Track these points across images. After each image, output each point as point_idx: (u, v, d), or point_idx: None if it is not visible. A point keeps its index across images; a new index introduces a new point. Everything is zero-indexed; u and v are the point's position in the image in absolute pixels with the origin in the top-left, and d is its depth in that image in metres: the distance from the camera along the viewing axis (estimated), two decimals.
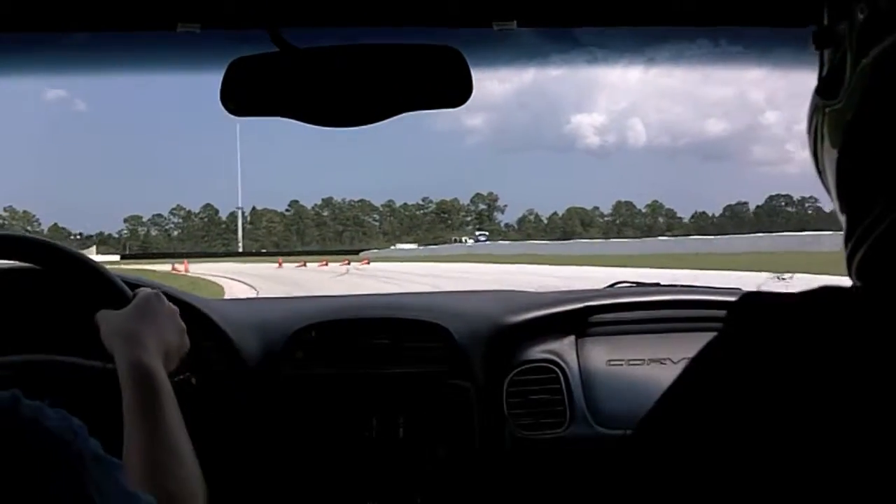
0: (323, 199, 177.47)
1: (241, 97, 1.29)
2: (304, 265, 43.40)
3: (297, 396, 1.84)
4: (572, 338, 1.96)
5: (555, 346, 1.94)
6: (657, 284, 2.34)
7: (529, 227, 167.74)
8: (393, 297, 2.50)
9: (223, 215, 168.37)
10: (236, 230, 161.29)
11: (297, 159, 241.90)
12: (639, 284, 2.38)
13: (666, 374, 1.77)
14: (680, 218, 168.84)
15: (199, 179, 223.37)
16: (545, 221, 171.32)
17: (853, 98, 0.55)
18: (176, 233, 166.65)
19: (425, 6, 1.31)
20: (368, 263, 46.01)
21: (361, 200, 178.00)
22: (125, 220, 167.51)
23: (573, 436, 1.82)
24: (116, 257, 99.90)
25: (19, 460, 0.60)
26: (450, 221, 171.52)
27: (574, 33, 1.48)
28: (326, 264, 43.58)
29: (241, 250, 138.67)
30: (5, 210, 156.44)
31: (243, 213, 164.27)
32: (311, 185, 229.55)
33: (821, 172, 0.61)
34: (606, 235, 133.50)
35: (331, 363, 1.87)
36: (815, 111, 0.61)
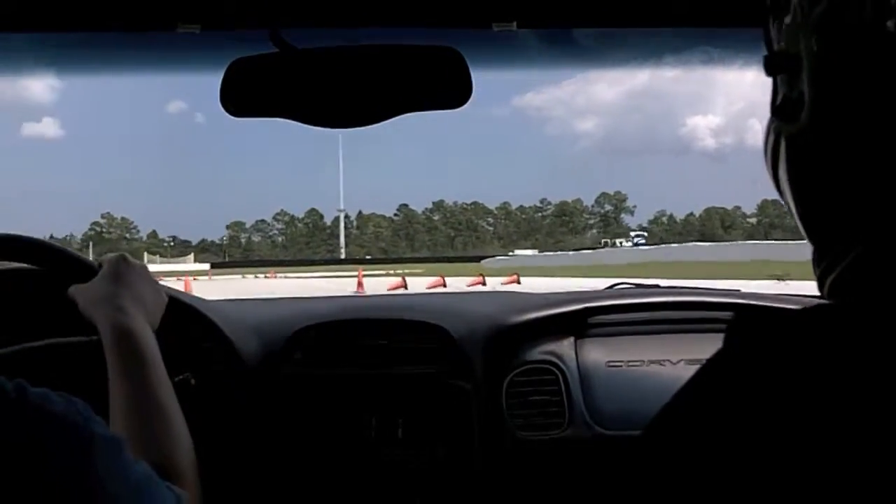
0: (434, 203, 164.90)
1: (240, 98, 1.29)
2: (404, 284, 26.99)
3: (297, 397, 1.84)
4: (572, 339, 1.97)
5: (554, 347, 1.94)
6: (657, 286, 2.40)
7: (661, 230, 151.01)
8: (392, 298, 2.62)
9: (328, 220, 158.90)
10: (339, 235, 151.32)
11: (405, 162, 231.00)
12: (638, 286, 2.39)
13: (665, 376, 1.85)
14: None
15: (304, 183, 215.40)
16: (679, 223, 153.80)
17: (814, 123, 0.54)
18: (280, 239, 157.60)
19: (425, 7, 1.32)
20: (518, 281, 29.24)
21: (475, 203, 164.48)
22: (227, 227, 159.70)
23: (572, 437, 1.83)
24: (206, 266, 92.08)
25: (30, 447, 0.61)
26: (571, 224, 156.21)
27: (574, 34, 1.49)
28: (444, 282, 27.32)
29: (343, 257, 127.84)
30: (103, 217, 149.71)
31: (347, 217, 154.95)
32: (421, 189, 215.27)
33: (781, 193, 0.60)
34: (751, 237, 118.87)
35: (330, 364, 1.87)
36: (771, 132, 0.60)
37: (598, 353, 1.94)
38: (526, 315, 1.98)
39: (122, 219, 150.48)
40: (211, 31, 1.34)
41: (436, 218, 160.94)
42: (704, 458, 0.51)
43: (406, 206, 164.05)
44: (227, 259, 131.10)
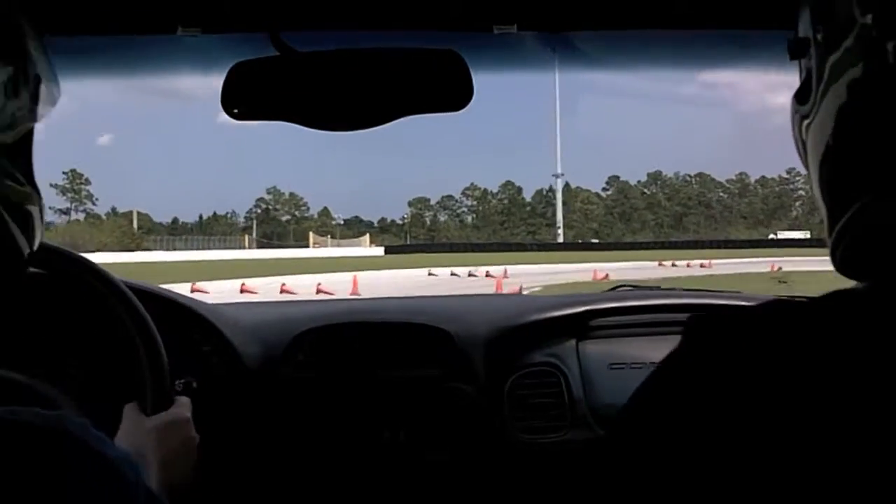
0: (649, 175, 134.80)
1: (242, 101, 1.29)
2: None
3: (298, 400, 1.84)
4: (573, 341, 1.97)
5: (556, 349, 1.95)
6: (658, 288, 2.43)
7: None
8: (394, 301, 2.54)
9: (527, 195, 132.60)
10: (545, 213, 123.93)
11: (613, 125, 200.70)
12: (640, 287, 2.40)
13: None
14: None
15: (500, 151, 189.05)
16: None
17: (819, 105, 0.57)
18: (469, 218, 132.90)
19: (426, 10, 1.32)
20: None
21: (701, 174, 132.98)
22: (410, 204, 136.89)
23: (574, 439, 1.83)
24: (381, 250, 79.43)
25: (89, 493, 0.60)
26: None
27: (575, 37, 1.49)
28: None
29: (560, 240, 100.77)
30: (268, 192, 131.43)
31: (567, 184, 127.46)
32: (630, 159, 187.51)
33: (806, 167, 0.64)
34: None
35: (331, 367, 1.88)
36: (793, 115, 0.64)
37: (600, 356, 1.94)
38: (527, 317, 1.98)
39: (291, 195, 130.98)
40: (212, 35, 1.33)
41: (656, 192, 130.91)
42: (654, 455, 0.53)
43: (617, 178, 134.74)
44: (408, 241, 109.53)
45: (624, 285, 2.42)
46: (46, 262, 1.38)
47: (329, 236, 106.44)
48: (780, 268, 26.95)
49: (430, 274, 32.77)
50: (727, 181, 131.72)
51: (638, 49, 1.60)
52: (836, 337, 0.50)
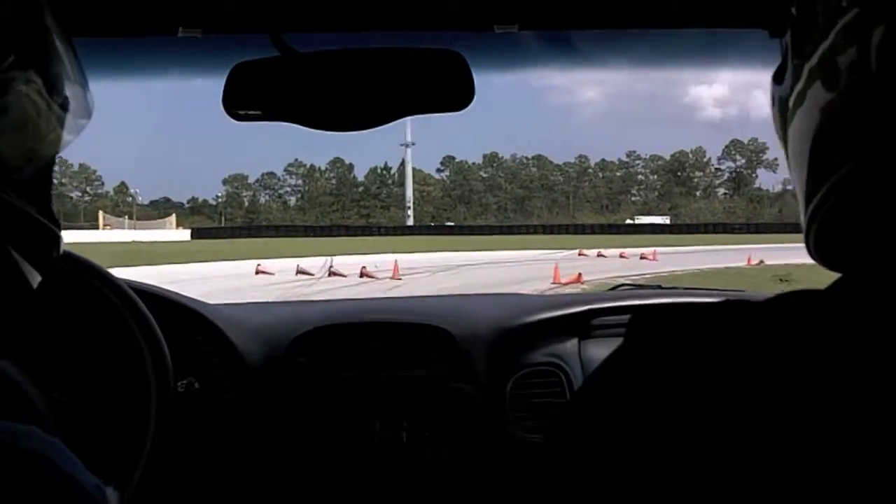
0: (485, 156, 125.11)
1: (243, 101, 1.29)
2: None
3: (300, 400, 1.85)
4: (575, 341, 1.97)
5: (558, 349, 1.95)
6: (659, 286, 2.43)
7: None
8: (395, 301, 2.62)
9: (360, 174, 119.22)
10: (379, 193, 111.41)
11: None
12: (641, 287, 2.43)
13: None
14: None
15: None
16: None
17: (799, 83, 0.58)
18: (293, 199, 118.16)
19: (427, 10, 1.33)
20: None
21: (539, 157, 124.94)
22: (225, 182, 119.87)
23: None
24: (187, 234, 67.86)
25: None
26: (693, 182, 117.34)
27: (575, 36, 1.51)
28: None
29: (410, 223, 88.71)
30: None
31: (386, 170, 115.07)
32: (465, 139, 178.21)
33: (787, 153, 0.64)
34: None
35: (333, 367, 1.88)
36: (773, 95, 0.64)
37: (602, 355, 2.07)
38: (529, 317, 1.98)
39: (81, 166, 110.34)
40: (212, 36, 1.34)
41: (497, 175, 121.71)
42: (590, 453, 0.54)
43: (452, 158, 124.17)
44: (223, 224, 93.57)
45: (624, 285, 2.43)
46: None
47: (126, 217, 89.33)
48: (761, 261, 24.86)
49: (259, 272, 21.92)
50: (565, 164, 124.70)
51: (638, 48, 1.60)
52: (779, 339, 0.51)
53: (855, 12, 0.50)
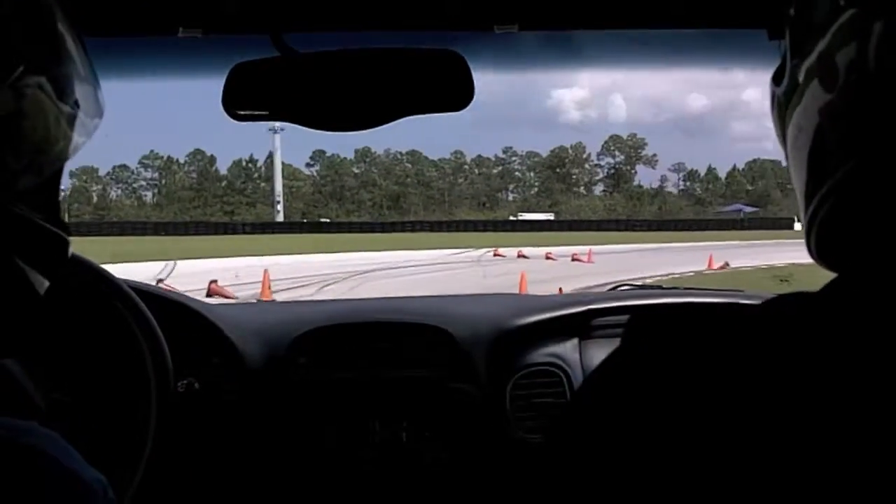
0: (357, 151, 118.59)
1: (242, 101, 1.30)
2: None
3: (300, 401, 1.85)
4: (575, 340, 1.98)
5: (558, 349, 1.95)
6: (660, 286, 2.46)
7: (701, 189, 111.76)
8: (395, 301, 2.59)
9: (222, 167, 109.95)
10: (244, 189, 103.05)
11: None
12: (642, 287, 2.41)
13: None
14: None
15: (186, 110, 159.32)
16: (723, 180, 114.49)
17: (799, 84, 0.57)
18: (149, 195, 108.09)
19: (427, 10, 1.34)
20: None
21: (414, 152, 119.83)
22: (72, 175, 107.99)
23: None
24: None
25: None
26: (573, 179, 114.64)
27: (575, 36, 1.51)
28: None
29: (280, 219, 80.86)
30: None
31: (252, 162, 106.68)
32: (335, 134, 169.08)
33: (786, 154, 0.64)
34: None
35: (333, 367, 1.88)
36: (772, 96, 0.64)
37: (602, 355, 2.18)
38: (529, 317, 1.98)
39: None
40: (213, 36, 1.34)
41: (372, 171, 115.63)
42: (589, 455, 0.54)
43: (323, 153, 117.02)
44: (68, 220, 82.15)
45: (625, 284, 2.42)
46: None
47: None
48: (726, 263, 23.09)
49: None
50: (441, 160, 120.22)
51: (640, 48, 1.60)
52: (774, 341, 0.51)
53: (852, 12, 0.50)
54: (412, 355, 1.89)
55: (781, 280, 15.59)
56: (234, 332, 1.82)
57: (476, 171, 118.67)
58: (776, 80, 0.62)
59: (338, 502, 1.84)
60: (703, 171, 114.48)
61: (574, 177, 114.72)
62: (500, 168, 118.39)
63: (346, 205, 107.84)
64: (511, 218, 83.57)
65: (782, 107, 0.61)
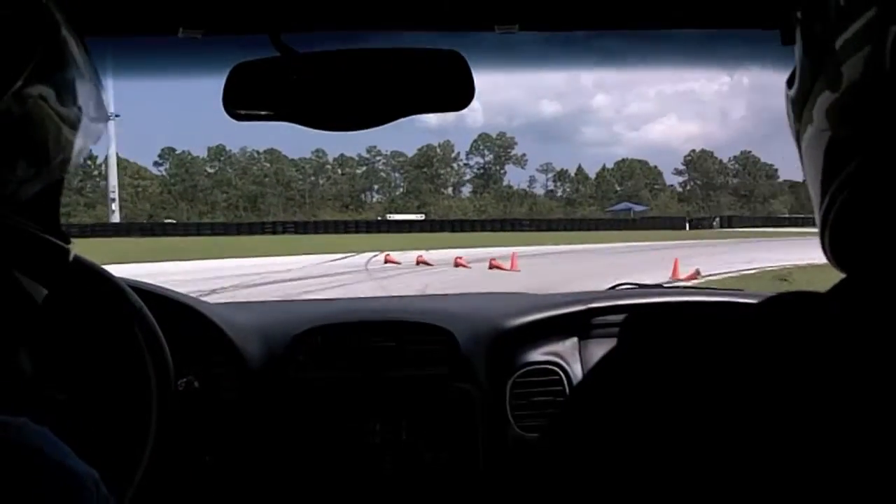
0: (210, 149, 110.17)
1: (243, 101, 1.30)
2: None
3: (300, 400, 1.85)
4: (575, 340, 1.98)
5: (557, 348, 1.96)
6: (659, 286, 2.41)
7: (571, 190, 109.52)
8: (395, 300, 2.62)
9: None
10: (82, 188, 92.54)
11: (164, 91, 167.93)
12: (641, 286, 2.40)
13: None
14: None
15: None
16: (593, 180, 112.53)
17: (813, 87, 0.57)
18: None
19: (427, 10, 1.34)
20: None
21: (272, 150, 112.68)
22: None
23: None
24: None
25: (49, 500, 0.60)
26: (441, 178, 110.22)
27: (576, 37, 1.51)
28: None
29: (116, 219, 71.13)
30: None
31: (90, 159, 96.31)
32: (186, 130, 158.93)
33: (801, 157, 0.64)
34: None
35: (333, 366, 1.88)
36: (787, 100, 0.64)
37: (602, 354, 1.98)
38: (529, 316, 1.98)
39: None
40: (213, 36, 1.34)
41: (228, 170, 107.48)
42: (587, 453, 0.54)
43: (172, 150, 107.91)
44: None
45: (625, 284, 2.41)
46: None
47: None
48: (697, 272, 18.23)
49: None
50: (301, 159, 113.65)
51: (640, 48, 1.61)
52: (771, 341, 0.51)
53: (868, 16, 0.50)
54: (412, 354, 1.88)
55: (781, 279, 15.71)
56: (234, 331, 1.81)
57: (339, 170, 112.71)
58: (789, 83, 0.62)
59: (337, 501, 1.84)
60: (573, 171, 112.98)
61: (442, 176, 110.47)
62: (364, 168, 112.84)
63: (199, 206, 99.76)
64: (379, 218, 79.21)
65: (796, 109, 0.61)
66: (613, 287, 2.41)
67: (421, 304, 2.28)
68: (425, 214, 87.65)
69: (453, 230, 60.80)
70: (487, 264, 21.72)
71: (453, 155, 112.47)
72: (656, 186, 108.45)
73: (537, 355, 1.93)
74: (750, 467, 0.46)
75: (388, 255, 25.71)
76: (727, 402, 0.49)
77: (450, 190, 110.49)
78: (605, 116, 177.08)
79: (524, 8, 1.31)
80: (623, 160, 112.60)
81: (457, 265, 22.48)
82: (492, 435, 1.84)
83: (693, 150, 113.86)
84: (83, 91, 0.64)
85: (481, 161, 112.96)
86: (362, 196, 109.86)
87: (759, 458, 0.46)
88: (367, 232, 59.20)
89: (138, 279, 1.76)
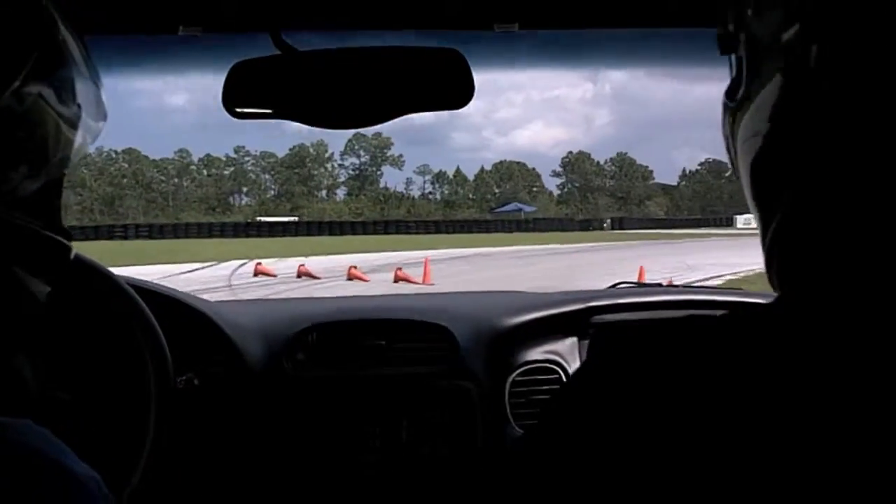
0: None
1: (242, 100, 1.30)
2: None
3: (299, 398, 1.85)
4: (574, 338, 1.99)
5: (557, 346, 1.97)
6: (659, 284, 2.42)
7: (451, 192, 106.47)
8: (394, 299, 2.64)
9: None
10: None
11: None
12: (641, 285, 2.41)
13: None
14: None
15: None
16: (472, 182, 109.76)
17: (748, 101, 0.57)
18: None
19: (427, 9, 1.34)
20: None
21: (131, 150, 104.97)
22: None
23: None
24: None
25: (49, 502, 0.60)
26: (313, 181, 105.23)
27: (575, 35, 1.51)
28: None
29: None
30: None
31: None
32: None
33: (739, 177, 0.62)
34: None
35: (332, 364, 1.89)
36: (724, 112, 0.62)
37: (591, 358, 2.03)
38: (528, 315, 1.99)
39: None
40: (213, 34, 1.35)
41: (76, 170, 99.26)
42: (558, 465, 0.55)
43: None
44: None
45: (624, 283, 2.41)
46: None
47: None
48: (670, 281, 14.08)
49: None
50: (163, 160, 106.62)
51: (640, 47, 1.61)
52: (731, 356, 0.51)
53: (796, 29, 0.50)
54: (412, 352, 1.88)
55: None
56: (234, 329, 1.81)
57: (205, 172, 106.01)
58: (730, 95, 0.60)
59: (337, 499, 1.84)
60: (451, 173, 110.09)
61: (316, 178, 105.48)
62: (232, 169, 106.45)
63: None
64: (248, 221, 73.68)
65: (734, 122, 0.60)
66: (614, 286, 2.40)
67: (420, 303, 2.27)
68: (299, 217, 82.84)
69: (331, 233, 57.28)
70: (392, 276, 18.06)
71: (327, 155, 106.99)
72: (535, 188, 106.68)
73: (537, 354, 1.93)
74: (739, 469, 0.46)
75: (259, 264, 21.50)
76: (708, 404, 0.49)
77: (324, 192, 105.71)
78: (475, 122, 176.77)
79: (523, 7, 1.31)
80: (501, 162, 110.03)
81: (351, 277, 18.73)
82: (491, 433, 1.84)
83: (570, 152, 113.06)
84: (82, 90, 0.64)
85: (357, 162, 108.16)
86: (230, 199, 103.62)
87: (734, 462, 0.46)
88: (235, 236, 55.41)
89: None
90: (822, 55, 0.48)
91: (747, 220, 70.72)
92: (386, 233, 56.86)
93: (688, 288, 2.26)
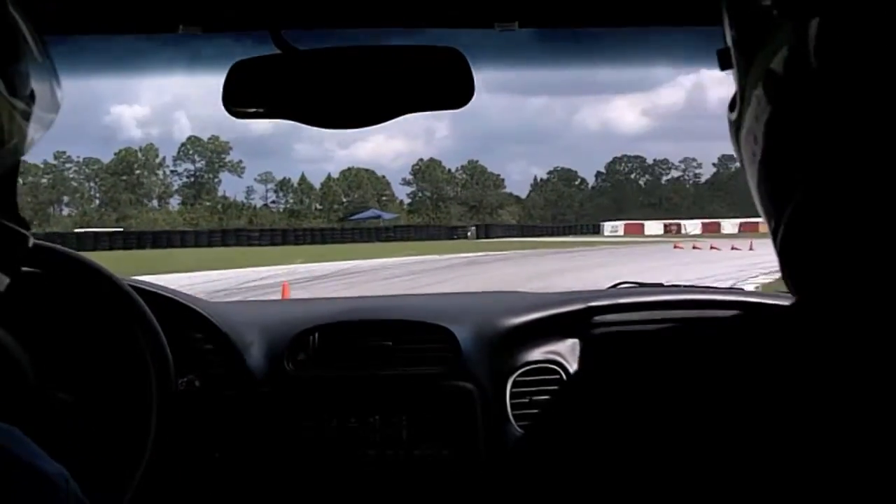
0: None
1: (242, 99, 1.30)
2: None
3: (301, 399, 1.86)
4: (575, 339, 1.99)
5: (558, 346, 1.97)
6: (660, 285, 2.40)
7: (296, 201, 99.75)
8: (395, 299, 2.67)
9: None
10: None
11: None
12: (641, 285, 2.41)
13: None
14: None
15: None
16: (318, 190, 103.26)
17: (745, 112, 0.57)
18: None
19: (427, 8, 1.34)
20: None
21: (59, 153, 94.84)
22: None
23: None
24: None
25: (18, 499, 0.59)
26: (142, 189, 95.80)
27: (575, 34, 1.52)
28: None
29: None
30: None
31: None
32: None
33: (749, 181, 0.62)
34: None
35: (333, 365, 1.89)
36: (729, 124, 0.62)
37: (602, 353, 2.08)
38: (529, 315, 1.99)
39: None
40: (213, 33, 1.36)
41: None
42: (560, 465, 0.55)
43: None
44: None
45: (625, 283, 2.42)
46: (46, 262, 1.45)
47: None
48: None
49: None
50: (84, 160, 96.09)
51: (640, 46, 1.61)
52: (745, 358, 0.51)
53: (785, 21, 0.50)
54: (413, 353, 1.88)
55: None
56: (235, 330, 1.82)
57: (20, 180, 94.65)
58: (731, 107, 0.61)
59: (338, 499, 1.85)
60: (295, 181, 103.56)
61: (146, 185, 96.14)
62: (50, 176, 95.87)
63: None
64: (63, 232, 64.34)
65: (737, 132, 0.60)
66: (614, 286, 2.41)
67: (421, 303, 2.29)
68: (125, 228, 74.33)
69: (158, 245, 49.94)
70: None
71: (158, 160, 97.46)
72: (384, 197, 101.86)
73: (537, 354, 1.93)
74: (738, 470, 0.46)
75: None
76: (713, 405, 0.49)
77: (155, 202, 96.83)
78: (316, 133, 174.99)
79: (524, 6, 1.31)
80: (349, 169, 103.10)
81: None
82: (492, 434, 1.84)
83: (421, 160, 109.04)
84: (36, 81, 0.64)
85: (192, 168, 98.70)
86: (49, 209, 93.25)
87: (749, 460, 0.46)
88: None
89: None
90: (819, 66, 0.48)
91: (614, 228, 69.80)
92: (224, 244, 50.36)
93: (688, 288, 2.32)
